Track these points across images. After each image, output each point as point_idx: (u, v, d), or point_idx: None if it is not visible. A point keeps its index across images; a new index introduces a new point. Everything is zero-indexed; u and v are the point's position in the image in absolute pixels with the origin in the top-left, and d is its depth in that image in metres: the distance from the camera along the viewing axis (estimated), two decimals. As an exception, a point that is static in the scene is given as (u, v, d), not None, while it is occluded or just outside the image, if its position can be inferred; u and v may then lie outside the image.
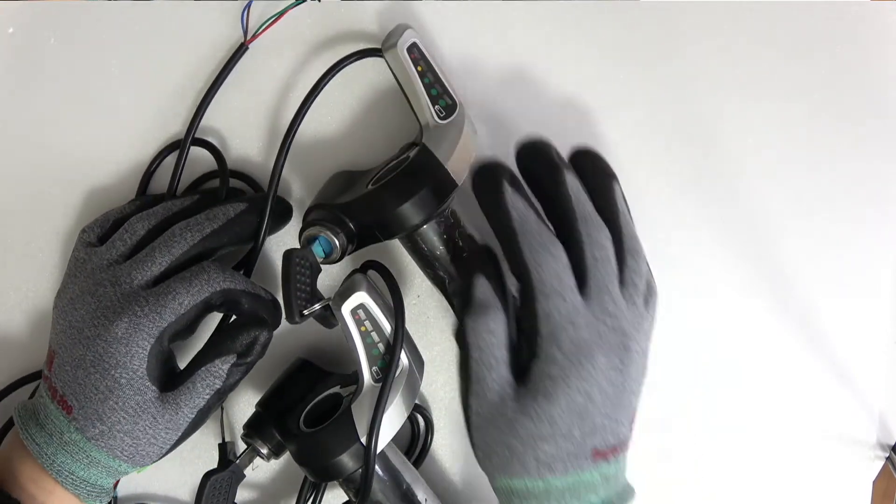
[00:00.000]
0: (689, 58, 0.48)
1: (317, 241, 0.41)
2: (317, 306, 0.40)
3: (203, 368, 0.41)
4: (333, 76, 0.44)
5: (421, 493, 0.45)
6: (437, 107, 0.43)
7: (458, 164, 0.41)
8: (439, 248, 0.43)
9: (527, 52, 0.48)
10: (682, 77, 0.48)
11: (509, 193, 0.39)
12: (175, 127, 0.48)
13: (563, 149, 0.43)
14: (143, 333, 0.39)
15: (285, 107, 0.47)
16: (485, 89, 0.48)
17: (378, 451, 0.40)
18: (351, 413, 0.41)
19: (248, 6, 0.45)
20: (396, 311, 0.41)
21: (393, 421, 0.41)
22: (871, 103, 0.48)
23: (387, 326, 0.41)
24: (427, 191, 0.40)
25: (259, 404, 0.46)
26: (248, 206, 0.43)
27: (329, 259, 0.41)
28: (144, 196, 0.47)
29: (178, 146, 0.47)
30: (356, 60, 0.44)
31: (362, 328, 0.41)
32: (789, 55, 0.48)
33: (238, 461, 0.46)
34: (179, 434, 0.41)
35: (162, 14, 0.47)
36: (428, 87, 0.43)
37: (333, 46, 0.47)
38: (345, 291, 0.41)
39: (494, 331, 0.38)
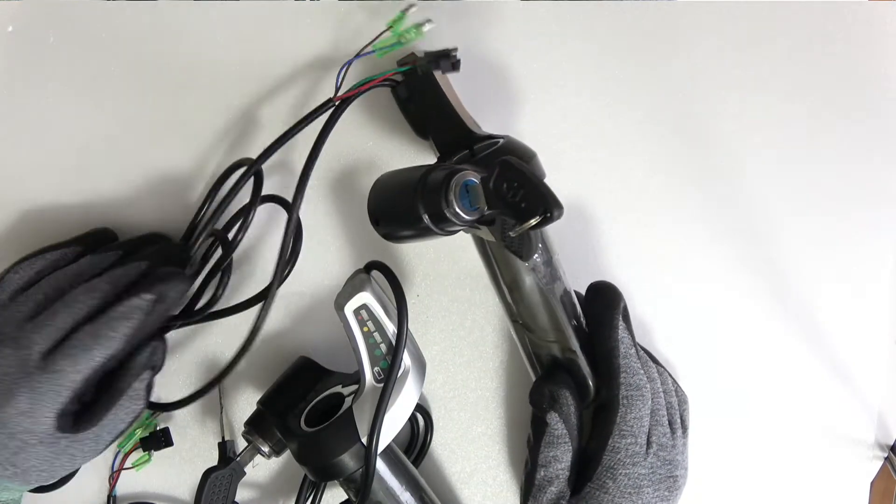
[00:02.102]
0: (689, 58, 0.48)
1: (465, 185, 0.36)
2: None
3: (125, 396, 0.41)
4: (347, 107, 0.43)
5: (420, 493, 0.45)
6: None
7: None
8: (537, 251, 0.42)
9: (526, 52, 0.48)
10: (682, 77, 0.48)
11: (620, 328, 0.43)
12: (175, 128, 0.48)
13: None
14: (46, 407, 0.38)
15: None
16: (484, 92, 0.48)
17: (379, 451, 0.41)
18: (352, 413, 0.41)
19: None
20: (400, 313, 0.41)
21: (394, 422, 0.41)
22: (871, 103, 0.48)
23: (390, 327, 0.41)
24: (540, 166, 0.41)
25: (260, 402, 0.46)
26: (149, 266, 0.43)
27: (476, 205, 0.36)
28: (63, 247, 0.45)
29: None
30: (366, 92, 0.43)
31: (364, 328, 0.41)
32: (789, 55, 0.48)
33: (238, 458, 0.46)
34: (100, 453, 0.42)
35: (160, 14, 0.47)
36: None
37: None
38: (348, 291, 0.41)
39: (561, 458, 0.44)
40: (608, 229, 0.49)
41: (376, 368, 0.41)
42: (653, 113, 0.48)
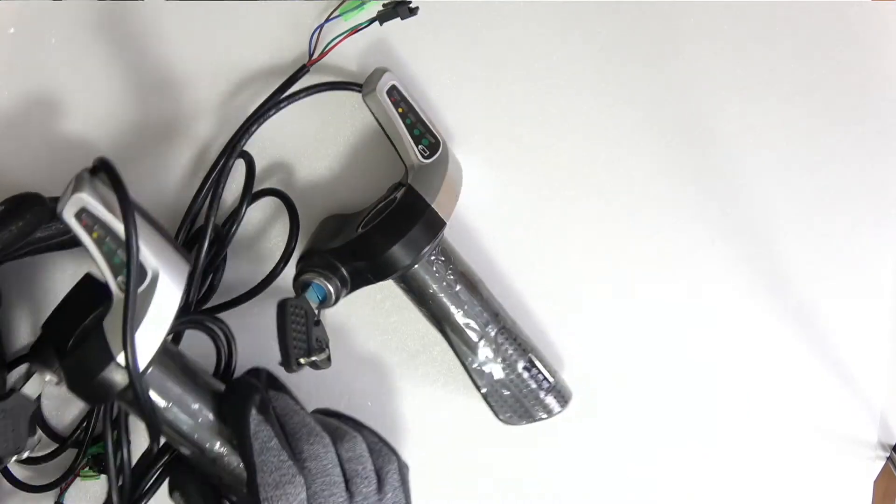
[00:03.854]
0: (689, 58, 0.48)
1: (311, 288, 0.41)
2: (314, 358, 0.39)
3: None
4: (293, 101, 0.44)
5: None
6: (420, 146, 0.44)
7: (446, 203, 0.42)
8: (432, 287, 0.44)
9: (526, 52, 0.48)
10: (682, 77, 0.48)
11: (253, 423, 0.39)
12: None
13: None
14: None
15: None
16: (483, 92, 0.48)
17: (143, 367, 0.36)
18: (103, 330, 0.36)
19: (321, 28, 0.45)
20: (125, 216, 0.34)
21: (155, 331, 0.36)
22: (871, 103, 0.48)
23: (121, 230, 0.34)
24: (416, 231, 0.41)
25: (43, 325, 0.41)
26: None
27: (324, 304, 0.42)
28: None
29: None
30: (323, 91, 0.44)
31: (94, 235, 0.35)
32: (789, 55, 0.48)
33: (21, 389, 0.42)
34: None
35: (161, 14, 0.47)
36: (410, 128, 0.43)
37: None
38: (65, 191, 0.35)
39: None
40: (608, 229, 0.49)
41: (120, 278, 0.36)
42: (653, 113, 0.48)
